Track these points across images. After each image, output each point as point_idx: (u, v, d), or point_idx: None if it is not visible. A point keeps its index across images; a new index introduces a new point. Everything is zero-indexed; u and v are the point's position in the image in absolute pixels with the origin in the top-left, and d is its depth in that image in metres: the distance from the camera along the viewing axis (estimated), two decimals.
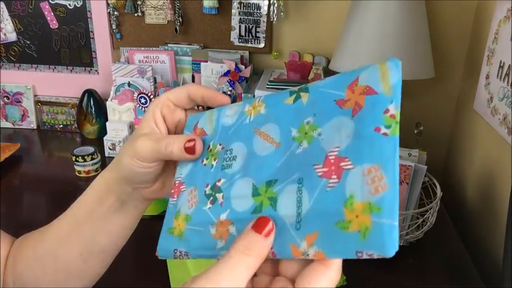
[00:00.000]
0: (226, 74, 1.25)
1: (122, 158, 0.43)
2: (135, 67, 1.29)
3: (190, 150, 0.39)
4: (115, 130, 1.27)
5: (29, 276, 0.47)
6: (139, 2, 1.31)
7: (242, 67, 1.26)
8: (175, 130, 0.46)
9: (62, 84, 1.45)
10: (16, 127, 1.48)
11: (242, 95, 1.16)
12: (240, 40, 1.31)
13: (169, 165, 0.46)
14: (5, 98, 1.46)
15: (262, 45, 1.31)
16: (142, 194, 0.46)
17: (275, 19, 1.24)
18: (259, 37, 1.30)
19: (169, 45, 1.35)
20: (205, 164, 0.40)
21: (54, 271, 0.47)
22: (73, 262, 0.47)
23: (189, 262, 0.74)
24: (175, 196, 0.41)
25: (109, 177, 0.46)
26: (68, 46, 1.41)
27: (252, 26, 1.29)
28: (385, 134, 0.30)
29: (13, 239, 0.51)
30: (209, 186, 0.38)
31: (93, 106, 1.36)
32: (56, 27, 1.39)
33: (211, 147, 0.41)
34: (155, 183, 0.46)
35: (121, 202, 0.46)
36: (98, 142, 1.31)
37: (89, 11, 1.35)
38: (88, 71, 1.43)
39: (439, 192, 0.86)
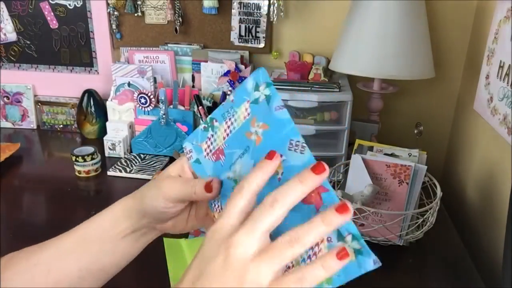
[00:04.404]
0: (226, 74, 1.25)
1: (147, 194, 0.47)
2: (135, 67, 1.29)
3: (208, 189, 0.45)
4: (115, 130, 1.27)
5: (16, 283, 0.47)
6: (139, 2, 1.31)
7: (242, 67, 1.26)
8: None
9: (62, 84, 1.45)
10: (16, 127, 1.48)
11: None
12: (240, 40, 1.31)
13: (184, 210, 0.49)
14: (5, 98, 1.46)
15: (262, 45, 1.31)
16: (154, 227, 0.50)
17: (275, 19, 1.24)
18: (259, 37, 1.30)
19: (169, 45, 1.35)
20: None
21: (44, 282, 0.47)
22: (68, 276, 0.48)
23: (189, 260, 0.74)
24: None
25: (130, 205, 0.49)
26: (68, 46, 1.41)
27: (252, 26, 1.29)
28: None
29: None
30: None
31: (93, 106, 1.36)
32: (56, 27, 1.39)
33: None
34: (168, 222, 0.49)
35: (134, 229, 0.49)
36: (98, 142, 1.31)
37: (89, 11, 1.35)
38: (88, 71, 1.43)
39: (439, 192, 0.86)
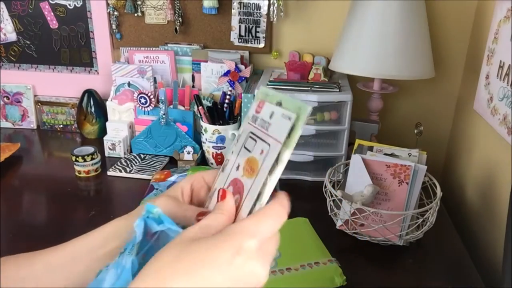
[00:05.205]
0: (226, 74, 1.25)
1: (138, 212, 0.48)
2: (135, 67, 1.29)
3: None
4: (115, 130, 1.27)
5: None
6: (139, 2, 1.31)
7: (242, 67, 1.26)
8: (197, 204, 0.51)
9: (62, 84, 1.45)
10: (16, 127, 1.48)
11: (242, 95, 1.16)
12: (240, 40, 1.31)
13: None
14: (5, 98, 1.46)
15: (262, 45, 1.31)
16: None
17: (275, 19, 1.24)
18: (259, 37, 1.30)
19: (169, 45, 1.35)
20: None
21: None
22: None
23: None
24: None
25: (120, 224, 0.49)
26: (68, 46, 1.41)
27: (252, 26, 1.29)
28: None
29: None
30: None
31: (93, 106, 1.36)
32: (56, 27, 1.39)
33: None
34: None
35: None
36: (98, 142, 1.31)
37: (89, 11, 1.35)
38: (88, 71, 1.43)
39: (439, 192, 0.86)
